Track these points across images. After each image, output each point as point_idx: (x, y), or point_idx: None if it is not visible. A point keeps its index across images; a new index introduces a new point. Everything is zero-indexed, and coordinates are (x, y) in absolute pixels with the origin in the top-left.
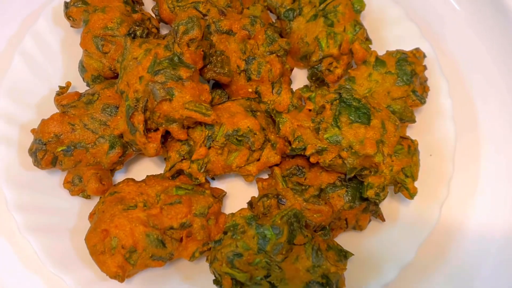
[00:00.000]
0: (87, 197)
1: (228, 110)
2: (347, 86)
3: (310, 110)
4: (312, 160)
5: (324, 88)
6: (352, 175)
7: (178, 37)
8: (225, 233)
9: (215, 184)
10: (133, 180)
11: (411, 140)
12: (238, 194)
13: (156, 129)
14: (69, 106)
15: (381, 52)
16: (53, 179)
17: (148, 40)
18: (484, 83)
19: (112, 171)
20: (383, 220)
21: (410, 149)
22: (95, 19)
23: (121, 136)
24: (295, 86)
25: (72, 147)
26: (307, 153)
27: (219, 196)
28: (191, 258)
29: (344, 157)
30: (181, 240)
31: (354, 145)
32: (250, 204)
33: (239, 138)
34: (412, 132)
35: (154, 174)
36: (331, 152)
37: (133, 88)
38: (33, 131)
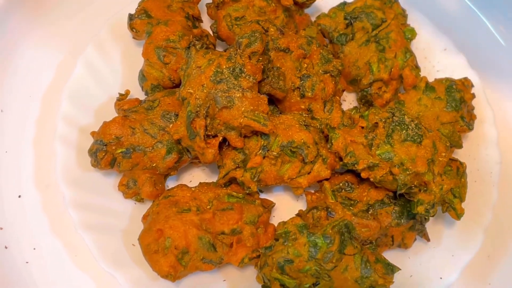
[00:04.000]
0: (140, 200)
1: (284, 123)
2: (398, 107)
3: (362, 127)
4: (363, 175)
5: (377, 107)
6: (403, 191)
7: (241, 49)
8: (276, 239)
9: (263, 196)
10: (186, 185)
11: (460, 162)
12: (284, 208)
13: (215, 136)
14: (130, 111)
15: (429, 80)
16: (108, 181)
17: (212, 51)
18: None
19: (165, 176)
20: (428, 240)
21: (458, 170)
22: (158, 31)
23: (178, 142)
24: (343, 108)
25: (131, 150)
26: (359, 167)
27: (269, 207)
28: (240, 263)
29: (395, 174)
30: (231, 245)
31: (405, 163)
32: (299, 215)
33: (293, 150)
34: (457, 158)
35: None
36: (382, 168)
37: (195, 95)
38: (92, 133)
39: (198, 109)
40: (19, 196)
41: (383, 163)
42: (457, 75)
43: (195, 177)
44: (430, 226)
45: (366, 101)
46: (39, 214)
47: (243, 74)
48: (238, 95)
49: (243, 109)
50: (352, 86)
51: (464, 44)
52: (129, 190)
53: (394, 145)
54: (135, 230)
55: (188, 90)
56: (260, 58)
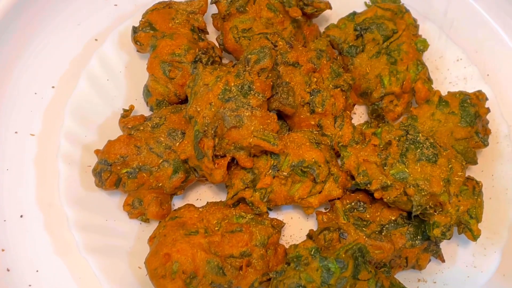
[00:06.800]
0: (146, 220)
1: (294, 141)
2: (412, 124)
3: (375, 145)
4: (376, 195)
5: (390, 124)
6: (418, 212)
7: (249, 65)
8: (287, 264)
9: (271, 215)
10: (193, 206)
11: (476, 181)
12: (293, 226)
13: (223, 156)
14: (135, 129)
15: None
16: (113, 201)
17: (219, 67)
18: None
19: (172, 196)
20: (443, 260)
21: (475, 190)
22: (163, 45)
23: (185, 161)
24: (353, 121)
25: (137, 170)
26: (372, 188)
27: (278, 227)
28: (250, 287)
29: (410, 194)
30: (240, 268)
31: (420, 183)
32: (310, 236)
33: (304, 170)
34: (470, 174)
35: (211, 201)
36: (397, 189)
37: (203, 113)
38: (97, 151)
39: (206, 128)
40: (21, 216)
41: (397, 183)
42: (469, 87)
43: (201, 194)
44: (444, 245)
45: (377, 115)
46: (42, 235)
47: (252, 91)
48: (247, 114)
49: (252, 128)
50: (362, 99)
51: (476, 55)
52: (135, 210)
53: (409, 165)
54: (141, 251)
55: (195, 109)
56: (270, 75)
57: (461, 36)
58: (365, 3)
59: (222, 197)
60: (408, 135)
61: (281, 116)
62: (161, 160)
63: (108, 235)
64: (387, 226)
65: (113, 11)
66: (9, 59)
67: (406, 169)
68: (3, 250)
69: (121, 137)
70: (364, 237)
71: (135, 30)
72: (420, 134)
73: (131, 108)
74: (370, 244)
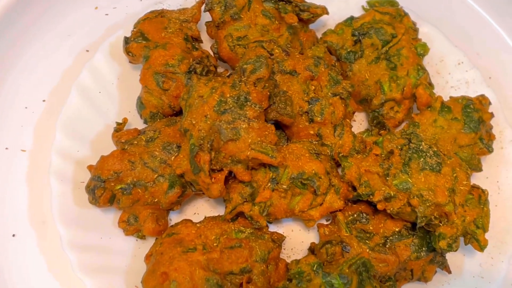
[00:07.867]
0: (142, 237)
1: (293, 152)
2: (415, 132)
3: (377, 155)
4: (379, 207)
5: (392, 133)
6: (423, 224)
7: (245, 76)
8: (289, 280)
9: (271, 228)
10: (191, 221)
11: (482, 189)
12: (294, 239)
13: (220, 170)
14: (129, 143)
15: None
16: (107, 218)
17: (214, 78)
18: None
19: (168, 211)
20: (449, 272)
21: (480, 199)
22: (156, 56)
23: (180, 175)
24: (353, 129)
25: (131, 186)
26: (375, 199)
27: (279, 241)
28: None
29: (414, 205)
30: (240, 286)
31: (424, 193)
32: (311, 250)
33: (304, 182)
34: (474, 181)
35: (208, 215)
36: (400, 200)
37: (198, 126)
38: (90, 167)
39: (201, 142)
40: (13, 235)
41: (400, 194)
42: (472, 91)
43: (199, 208)
44: (450, 256)
45: (378, 123)
46: (36, 254)
47: (248, 102)
48: (244, 126)
49: (249, 140)
50: (362, 106)
51: (478, 58)
52: (130, 227)
53: (412, 175)
54: (138, 269)
55: (191, 121)
56: (266, 84)
57: (461, 38)
58: (363, 7)
59: (220, 210)
60: (411, 144)
61: (279, 126)
62: (156, 175)
63: (103, 253)
64: (391, 238)
65: (104, 21)
66: None
67: (409, 179)
68: None
69: (114, 152)
70: (368, 250)
71: (126, 40)
72: (423, 143)
73: (125, 121)
74: (374, 257)
